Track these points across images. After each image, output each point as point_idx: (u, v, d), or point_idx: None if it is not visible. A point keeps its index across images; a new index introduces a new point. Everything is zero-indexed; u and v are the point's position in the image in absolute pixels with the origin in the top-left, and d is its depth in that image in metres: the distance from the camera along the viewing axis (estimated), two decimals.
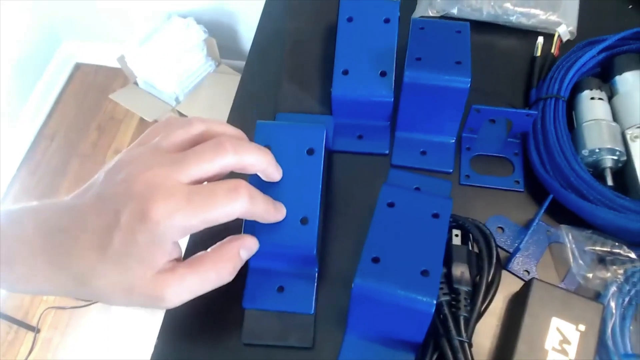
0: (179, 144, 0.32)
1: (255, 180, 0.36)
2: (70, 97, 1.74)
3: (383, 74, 0.44)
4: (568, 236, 0.37)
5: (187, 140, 0.32)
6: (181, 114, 1.47)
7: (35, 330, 1.41)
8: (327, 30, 0.48)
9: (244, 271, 0.38)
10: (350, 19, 0.45)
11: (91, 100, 1.72)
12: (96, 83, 1.76)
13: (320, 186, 0.37)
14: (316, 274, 0.38)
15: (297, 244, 0.35)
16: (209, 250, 0.32)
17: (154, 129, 0.33)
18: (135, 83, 1.54)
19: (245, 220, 0.36)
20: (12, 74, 1.56)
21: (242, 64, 1.60)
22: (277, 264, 0.38)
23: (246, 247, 0.33)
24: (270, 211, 0.34)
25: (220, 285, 0.32)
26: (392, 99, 0.43)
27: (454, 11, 0.50)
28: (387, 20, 0.45)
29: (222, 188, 0.30)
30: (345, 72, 0.44)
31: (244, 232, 0.36)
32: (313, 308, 0.37)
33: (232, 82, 1.49)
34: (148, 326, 1.39)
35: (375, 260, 0.34)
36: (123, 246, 0.28)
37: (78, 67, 1.80)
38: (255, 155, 0.33)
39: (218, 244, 0.33)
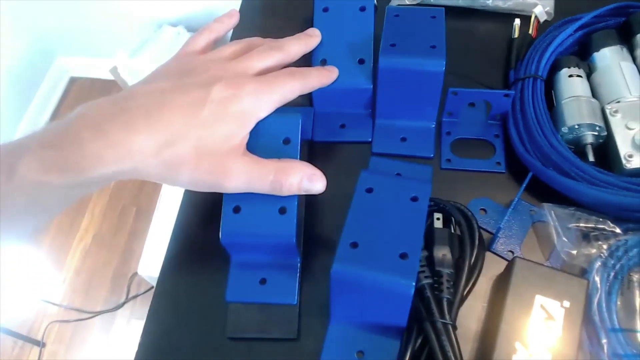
0: (233, 52, 0.38)
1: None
2: (66, 111, 1.75)
3: (361, 61, 0.44)
4: (551, 214, 0.37)
5: (238, 49, 0.38)
6: None
7: (41, 344, 1.41)
8: (303, 24, 0.47)
9: (226, 265, 0.38)
10: (325, 9, 0.45)
11: None
12: (91, 96, 1.76)
13: None
14: (299, 265, 0.38)
15: (276, 233, 0.35)
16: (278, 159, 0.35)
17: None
18: None
19: (225, 207, 0.36)
20: (8, 89, 1.57)
21: None
22: (259, 256, 0.38)
23: (308, 177, 0.35)
24: (323, 74, 0.40)
25: (261, 191, 0.34)
26: (371, 86, 0.43)
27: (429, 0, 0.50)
28: (362, 9, 0.45)
29: (283, 73, 0.36)
30: (324, 62, 0.44)
31: (224, 233, 0.35)
32: (296, 299, 0.37)
33: None
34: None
35: (354, 245, 0.33)
36: (214, 115, 0.32)
37: (73, 81, 1.81)
38: (297, 45, 0.40)
39: (286, 160, 0.35)
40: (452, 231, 0.37)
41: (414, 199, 0.36)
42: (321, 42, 0.44)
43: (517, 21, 0.47)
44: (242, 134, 0.34)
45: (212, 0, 1.44)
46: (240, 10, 0.55)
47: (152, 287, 1.39)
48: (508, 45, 0.48)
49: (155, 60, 1.38)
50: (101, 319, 1.43)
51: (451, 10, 0.47)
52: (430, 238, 0.36)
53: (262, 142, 0.38)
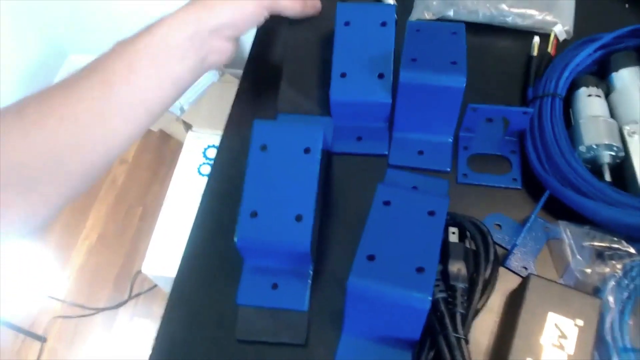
0: None
1: (253, 175, 0.37)
2: None
3: (381, 76, 0.44)
4: (566, 232, 0.37)
5: None
6: (186, 124, 1.48)
7: (42, 339, 1.41)
8: (326, 35, 0.48)
9: (239, 267, 0.39)
10: (347, 23, 0.46)
11: None
12: None
13: (316, 185, 0.37)
14: (311, 272, 0.38)
15: (292, 240, 0.36)
16: None
17: None
18: None
19: (242, 211, 0.36)
20: (19, 88, 1.59)
21: None
22: (272, 261, 0.38)
23: None
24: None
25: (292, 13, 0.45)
26: (390, 101, 0.44)
27: (450, 13, 0.50)
28: (384, 24, 0.45)
29: None
30: (343, 75, 0.44)
31: (239, 237, 0.36)
32: (307, 305, 0.37)
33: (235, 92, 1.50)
34: (152, 333, 1.39)
35: (370, 258, 0.34)
36: None
37: None
38: None
39: None
40: (467, 246, 0.37)
41: (431, 213, 0.36)
42: (342, 55, 0.45)
43: (537, 39, 0.48)
44: None
45: None
46: (262, 30, 0.55)
47: (155, 285, 1.40)
48: (527, 63, 0.48)
49: None
50: (103, 316, 1.44)
51: (470, 26, 0.48)
52: (445, 252, 0.36)
53: (282, 150, 0.38)
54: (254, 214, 0.36)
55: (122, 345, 1.40)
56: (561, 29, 0.48)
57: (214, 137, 1.37)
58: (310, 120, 0.47)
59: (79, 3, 1.54)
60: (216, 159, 0.48)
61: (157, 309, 1.42)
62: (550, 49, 0.47)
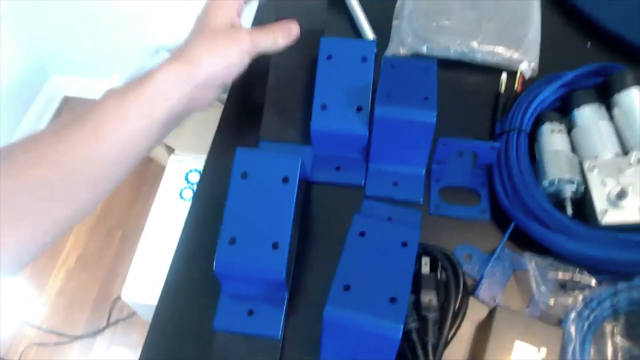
0: None
1: (233, 202, 0.38)
2: None
3: (359, 109, 0.46)
4: (531, 263, 0.39)
5: None
6: (168, 147, 1.48)
7: None
8: (310, 65, 0.50)
9: (217, 293, 0.40)
10: (329, 57, 0.48)
11: None
12: None
13: (293, 213, 0.38)
14: (286, 299, 0.39)
15: (267, 268, 0.37)
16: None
17: None
18: None
19: (221, 238, 0.38)
20: (1, 106, 1.58)
21: None
22: (249, 287, 0.39)
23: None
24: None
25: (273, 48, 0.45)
26: (367, 133, 0.45)
27: (424, 49, 0.53)
28: (364, 59, 0.47)
29: None
30: (324, 107, 0.46)
31: (217, 264, 0.37)
32: (280, 333, 0.38)
33: (219, 115, 1.51)
34: None
35: (346, 287, 0.35)
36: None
37: (66, 100, 1.82)
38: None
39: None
40: (439, 277, 0.38)
41: (404, 244, 0.38)
42: (323, 87, 0.47)
43: (504, 76, 0.51)
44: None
45: None
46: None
47: (134, 312, 1.38)
48: (495, 98, 0.51)
49: None
50: (80, 343, 1.41)
51: (442, 62, 0.50)
52: (417, 282, 0.38)
53: (261, 178, 0.40)
54: (232, 241, 0.38)
55: None
56: (527, 67, 0.51)
57: (196, 161, 1.38)
58: (290, 149, 0.48)
59: (65, 23, 1.55)
60: (199, 184, 0.49)
61: (136, 337, 1.40)
62: (517, 85, 0.50)
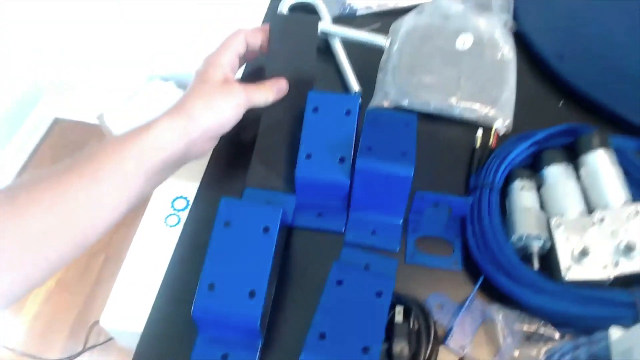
0: None
1: (214, 249, 0.40)
2: (47, 151, 1.76)
3: (342, 159, 0.48)
4: (498, 315, 0.41)
5: None
6: None
7: None
8: (298, 116, 0.52)
9: (193, 337, 0.41)
10: (315, 109, 0.50)
11: (67, 155, 1.74)
12: (73, 139, 1.78)
13: (271, 262, 0.40)
14: (260, 345, 0.41)
15: (243, 315, 0.39)
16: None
17: None
18: None
19: (201, 283, 0.39)
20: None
21: None
22: (225, 332, 0.41)
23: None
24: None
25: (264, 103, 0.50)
26: (348, 182, 0.48)
27: (405, 103, 0.56)
28: (348, 112, 0.50)
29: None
30: (309, 156, 0.49)
31: (196, 308, 0.39)
32: None
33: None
34: None
35: (322, 336, 0.37)
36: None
37: (57, 122, 1.83)
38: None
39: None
40: (411, 326, 0.40)
41: (379, 294, 0.40)
42: (309, 137, 0.49)
43: (480, 132, 0.54)
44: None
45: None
46: (243, 77, 0.60)
47: (111, 338, 1.37)
48: (471, 153, 0.53)
49: (143, 112, 1.43)
50: None
51: (422, 115, 0.53)
52: (390, 331, 0.39)
53: (243, 228, 0.42)
54: (211, 287, 0.39)
55: None
56: (501, 124, 0.54)
57: (183, 188, 1.39)
58: (274, 198, 0.50)
59: (59, 46, 1.58)
60: (184, 227, 0.50)
61: None
62: (492, 141, 0.53)
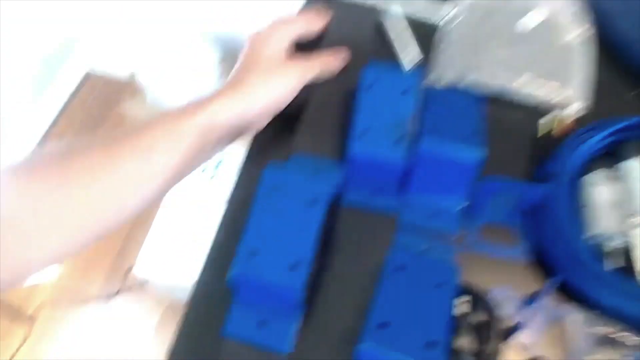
0: None
1: (258, 216, 0.39)
2: (78, 105, 1.76)
3: (399, 138, 0.45)
4: (570, 316, 0.38)
5: None
6: None
7: (30, 322, 1.40)
8: (352, 90, 0.49)
9: (229, 299, 0.40)
10: (371, 84, 0.47)
11: (99, 110, 1.73)
12: (105, 94, 1.77)
13: (317, 237, 0.38)
14: (300, 316, 0.39)
15: (284, 286, 0.37)
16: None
17: None
18: (145, 98, 1.55)
19: (241, 248, 0.38)
20: (23, 77, 1.58)
21: None
22: (263, 299, 0.39)
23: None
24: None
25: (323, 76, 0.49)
26: (406, 163, 0.45)
27: (464, 83, 0.52)
28: (406, 89, 0.47)
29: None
30: (363, 133, 0.46)
31: (234, 273, 0.37)
32: (290, 347, 0.38)
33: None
34: (140, 327, 1.39)
35: (382, 325, 0.35)
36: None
37: (88, 76, 1.82)
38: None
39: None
40: (473, 319, 0.38)
41: (442, 284, 0.37)
42: (363, 113, 0.46)
43: (548, 117, 0.50)
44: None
45: (241, 21, 1.47)
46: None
47: (147, 281, 1.39)
48: (534, 140, 0.50)
49: (175, 73, 1.40)
50: (92, 305, 1.43)
51: (483, 96, 0.50)
52: (452, 324, 0.37)
53: (289, 197, 0.40)
54: (253, 253, 0.38)
55: (110, 336, 1.40)
56: (572, 110, 0.50)
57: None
58: (322, 165, 0.48)
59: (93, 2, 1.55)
60: (231, 197, 0.49)
61: (148, 304, 1.42)
62: (559, 129, 0.49)
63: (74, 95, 1.77)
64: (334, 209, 0.46)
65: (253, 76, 0.43)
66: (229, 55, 1.49)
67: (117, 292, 1.44)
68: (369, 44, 0.55)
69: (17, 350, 1.36)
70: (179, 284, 1.22)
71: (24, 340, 1.37)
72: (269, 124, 0.52)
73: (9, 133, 1.57)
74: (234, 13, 1.45)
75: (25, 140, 1.64)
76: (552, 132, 0.49)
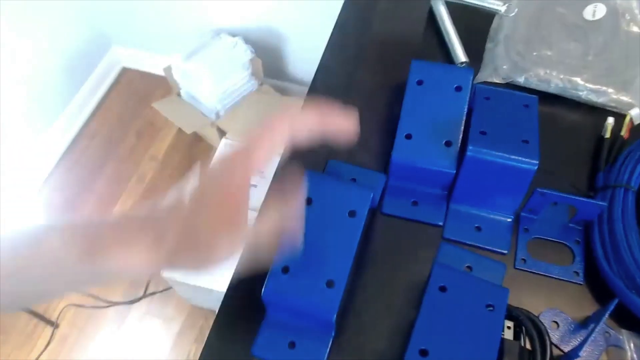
0: None
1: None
2: (114, 101, 1.78)
3: (448, 143, 0.42)
4: (629, 344, 0.35)
5: None
6: (220, 130, 1.48)
7: (54, 325, 1.43)
8: (397, 88, 0.46)
9: (260, 317, 0.38)
10: (420, 82, 0.44)
11: (133, 106, 1.75)
12: (140, 89, 1.79)
13: (355, 251, 0.36)
14: (331, 338, 0.37)
15: (319, 306, 0.35)
16: None
17: None
18: (178, 94, 1.56)
19: (275, 265, 0.36)
20: (60, 72, 1.61)
21: (284, 84, 1.62)
22: (295, 319, 0.37)
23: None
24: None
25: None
26: (454, 171, 0.42)
27: (521, 80, 0.48)
28: (458, 88, 0.44)
29: None
30: (409, 137, 0.43)
31: (267, 291, 0.35)
32: None
33: (272, 103, 1.49)
34: (161, 334, 1.40)
35: (423, 352, 0.32)
36: None
37: (124, 71, 1.84)
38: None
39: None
40: (523, 344, 0.35)
41: (490, 307, 0.34)
42: (409, 115, 0.43)
43: (610, 120, 0.46)
44: None
45: (273, 19, 1.45)
46: (328, 60, 0.54)
47: (170, 287, 1.40)
48: (597, 143, 0.46)
49: (209, 67, 1.40)
50: (116, 309, 1.44)
51: (540, 95, 0.46)
52: (499, 349, 0.34)
53: (327, 208, 0.37)
54: (285, 269, 0.36)
55: (131, 342, 1.41)
56: (638, 113, 0.46)
57: None
58: (361, 175, 0.45)
59: None
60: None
61: (170, 311, 1.43)
62: (624, 132, 0.45)
63: (111, 88, 1.80)
64: (371, 218, 0.43)
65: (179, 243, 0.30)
66: (261, 51, 1.47)
67: (141, 297, 1.45)
68: (418, 37, 0.52)
69: (41, 353, 1.39)
70: (203, 289, 1.22)
71: (48, 344, 1.40)
72: None
73: (47, 126, 1.60)
74: (266, 10, 1.43)
75: (62, 132, 1.67)
76: (622, 135, 0.45)
